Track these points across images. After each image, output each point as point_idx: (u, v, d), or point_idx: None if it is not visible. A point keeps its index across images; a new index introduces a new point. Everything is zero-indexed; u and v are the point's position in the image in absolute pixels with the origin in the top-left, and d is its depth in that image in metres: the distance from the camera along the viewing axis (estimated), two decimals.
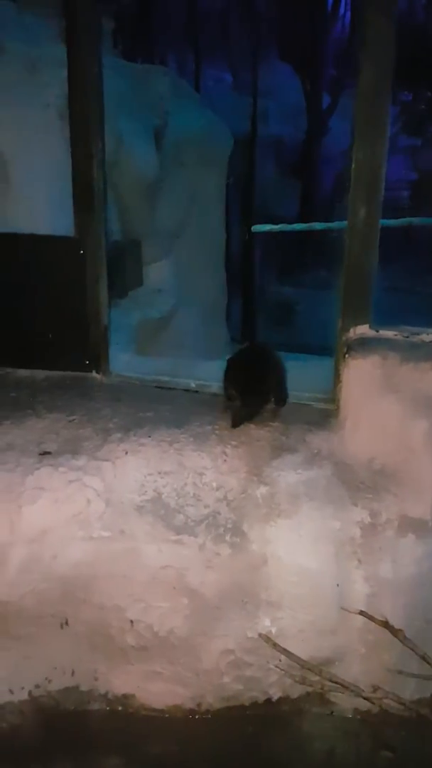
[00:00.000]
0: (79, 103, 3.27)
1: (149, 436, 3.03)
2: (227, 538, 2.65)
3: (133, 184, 5.26)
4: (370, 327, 3.26)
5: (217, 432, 3.07)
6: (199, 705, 2.73)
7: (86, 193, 3.39)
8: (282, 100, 12.19)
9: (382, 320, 3.30)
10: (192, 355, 5.06)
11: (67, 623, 2.71)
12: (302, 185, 12.66)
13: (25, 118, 4.27)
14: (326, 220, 5.87)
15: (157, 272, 5.96)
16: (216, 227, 6.70)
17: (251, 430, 3.12)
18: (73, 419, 3.22)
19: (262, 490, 2.81)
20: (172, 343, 5.75)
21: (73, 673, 2.76)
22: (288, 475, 2.87)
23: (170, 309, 5.91)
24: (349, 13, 12.65)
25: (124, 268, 5.21)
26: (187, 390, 3.58)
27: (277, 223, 4.91)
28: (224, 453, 2.93)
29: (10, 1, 4.92)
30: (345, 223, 3.19)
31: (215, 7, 11.33)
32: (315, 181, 12.77)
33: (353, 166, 3.08)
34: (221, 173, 6.63)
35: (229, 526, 2.69)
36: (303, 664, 2.61)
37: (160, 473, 2.86)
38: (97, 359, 3.73)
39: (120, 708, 2.75)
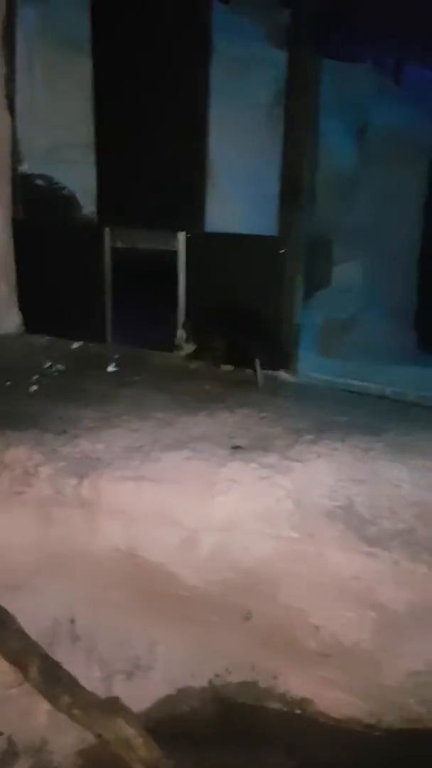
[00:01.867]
0: (295, 103, 3.29)
1: (342, 441, 2.98)
2: (424, 557, 2.53)
3: (331, 183, 5.21)
4: None
5: (417, 444, 2.94)
6: (378, 721, 2.64)
7: (294, 192, 3.41)
8: None
9: None
10: (377, 359, 4.91)
11: (250, 616, 2.74)
12: None
13: (232, 118, 4.37)
14: None
15: (345, 272, 5.88)
16: (410, 226, 6.44)
17: None
18: (264, 416, 3.26)
19: None
20: (356, 346, 5.63)
21: (253, 667, 2.79)
22: None
23: (356, 310, 5.80)
24: None
25: (314, 268, 5.18)
26: (381, 397, 3.47)
27: None
28: (424, 467, 2.80)
29: (223, 4, 5.07)
30: None
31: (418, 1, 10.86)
32: None
33: None
34: (421, 171, 6.36)
35: (427, 545, 2.56)
36: None
37: (352, 480, 2.79)
38: (287, 358, 3.75)
39: (297, 711, 2.74)
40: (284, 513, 2.69)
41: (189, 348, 4.14)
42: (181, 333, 4.11)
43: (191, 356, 4.12)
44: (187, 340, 4.09)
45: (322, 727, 2.72)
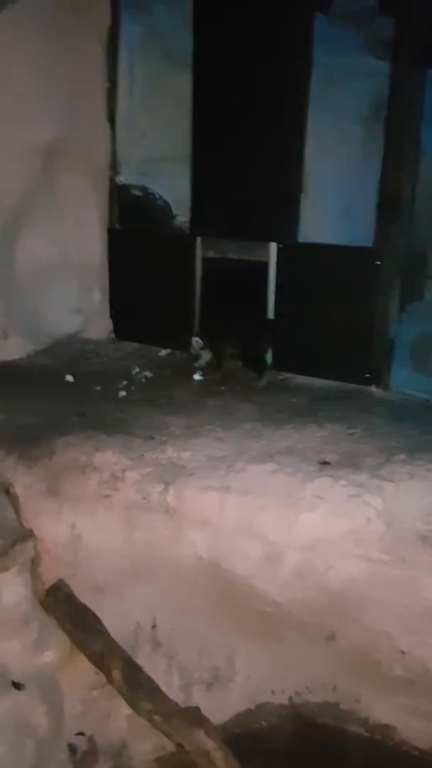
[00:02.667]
0: (397, 114, 3.22)
1: None
2: None
3: (429, 194, 5.05)
4: None
5: None
6: None
7: (392, 203, 3.35)
8: None
9: None
10: None
11: (333, 637, 2.69)
12: None
13: (328, 129, 4.32)
14: None
15: None
16: None
17: None
18: (353, 432, 3.19)
19: None
20: None
21: (334, 689, 2.74)
22: None
23: None
24: None
25: (408, 280, 5.05)
26: None
27: None
28: None
29: (321, 14, 5.03)
30: None
31: None
32: None
33: None
34: None
35: None
36: None
37: None
38: (378, 373, 3.67)
39: (378, 737, 2.67)
40: (374, 534, 2.62)
41: (206, 357, 4.15)
42: (197, 341, 4.12)
43: (209, 365, 4.12)
44: (203, 348, 4.10)
45: (404, 756, 2.64)
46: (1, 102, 3.91)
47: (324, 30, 5.03)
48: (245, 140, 3.88)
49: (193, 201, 4.21)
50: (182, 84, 4.24)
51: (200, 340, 4.08)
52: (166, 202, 4.62)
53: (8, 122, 3.95)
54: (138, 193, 4.64)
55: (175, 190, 4.57)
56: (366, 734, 2.68)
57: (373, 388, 3.68)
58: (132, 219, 4.64)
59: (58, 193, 4.41)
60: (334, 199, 4.27)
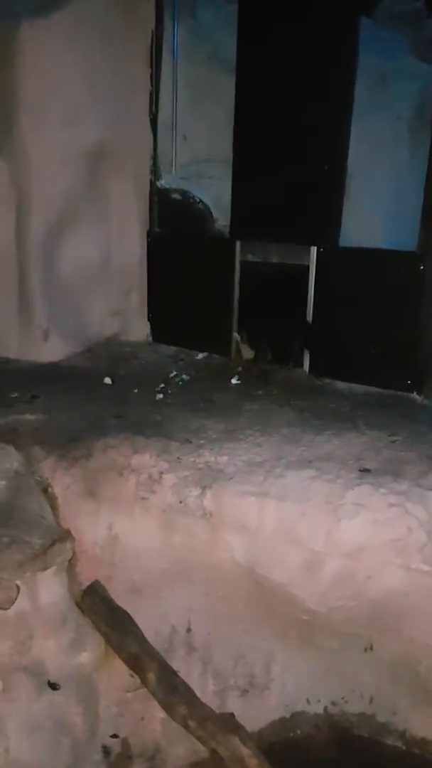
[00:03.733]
0: None
1: None
2: None
3: None
4: None
5: None
6: None
7: None
8: None
9: None
10: None
11: (371, 648, 2.65)
12: None
13: (373, 131, 4.28)
14: None
15: None
16: None
17: None
18: (395, 440, 3.14)
19: None
20: None
21: (371, 700, 2.70)
22: None
23: None
24: None
25: None
26: None
27: None
28: None
29: (366, 18, 5.00)
30: None
31: None
32: None
33: None
34: None
35: None
36: None
37: None
38: (421, 380, 3.60)
39: (417, 751, 2.62)
40: (416, 544, 2.57)
41: (248, 353, 4.14)
42: (236, 337, 4.19)
43: (251, 361, 4.20)
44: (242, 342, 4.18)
45: None
46: (50, 104, 3.97)
47: (369, 32, 5.01)
48: (287, 143, 3.85)
49: (233, 204, 4.19)
50: (224, 88, 4.24)
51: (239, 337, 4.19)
52: (206, 205, 4.62)
53: (57, 124, 4.01)
54: (178, 196, 4.66)
55: (215, 194, 4.57)
56: (403, 747, 2.63)
57: (414, 395, 3.61)
58: (172, 222, 4.65)
59: (102, 195, 4.45)
60: (377, 203, 4.23)
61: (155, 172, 4.57)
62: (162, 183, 4.66)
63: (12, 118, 3.99)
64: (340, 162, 3.78)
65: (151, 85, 4.42)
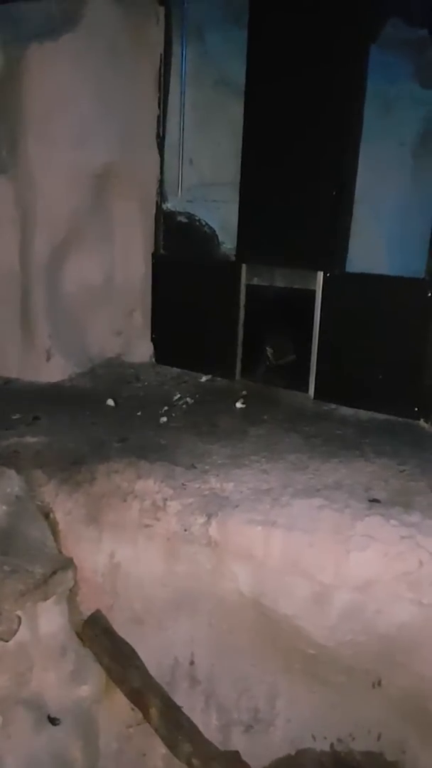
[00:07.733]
0: None
1: None
2: None
3: None
4: None
5: None
6: None
7: None
8: None
9: None
10: None
11: (379, 683, 2.58)
12: None
13: (377, 157, 4.29)
14: None
15: None
16: None
17: None
18: (404, 469, 3.09)
19: None
20: None
21: (379, 737, 2.62)
22: None
23: None
24: None
25: None
26: None
27: None
28: None
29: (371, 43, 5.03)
30: None
31: None
32: None
33: None
34: None
35: None
36: None
37: None
38: (428, 407, 3.56)
39: None
40: (428, 578, 2.51)
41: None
42: (269, 351, 4.27)
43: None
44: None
45: None
46: (57, 126, 3.97)
47: (375, 58, 5.04)
48: (294, 168, 3.85)
49: (240, 228, 4.18)
50: (231, 111, 4.25)
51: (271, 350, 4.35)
52: (212, 228, 4.61)
53: (64, 146, 4.01)
54: (184, 219, 4.65)
55: (221, 217, 4.57)
56: None
57: (422, 422, 3.57)
58: (177, 245, 4.64)
59: (107, 216, 4.44)
60: (384, 229, 4.24)
61: (161, 194, 4.57)
62: (168, 206, 4.65)
63: (18, 140, 3.99)
64: (347, 187, 3.77)
65: (159, 108, 4.42)
